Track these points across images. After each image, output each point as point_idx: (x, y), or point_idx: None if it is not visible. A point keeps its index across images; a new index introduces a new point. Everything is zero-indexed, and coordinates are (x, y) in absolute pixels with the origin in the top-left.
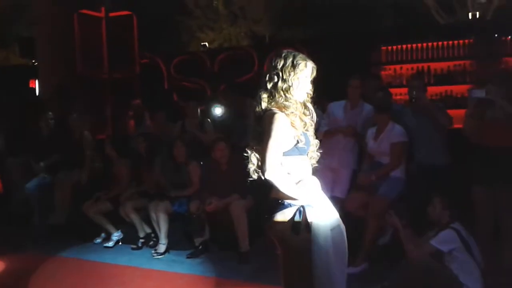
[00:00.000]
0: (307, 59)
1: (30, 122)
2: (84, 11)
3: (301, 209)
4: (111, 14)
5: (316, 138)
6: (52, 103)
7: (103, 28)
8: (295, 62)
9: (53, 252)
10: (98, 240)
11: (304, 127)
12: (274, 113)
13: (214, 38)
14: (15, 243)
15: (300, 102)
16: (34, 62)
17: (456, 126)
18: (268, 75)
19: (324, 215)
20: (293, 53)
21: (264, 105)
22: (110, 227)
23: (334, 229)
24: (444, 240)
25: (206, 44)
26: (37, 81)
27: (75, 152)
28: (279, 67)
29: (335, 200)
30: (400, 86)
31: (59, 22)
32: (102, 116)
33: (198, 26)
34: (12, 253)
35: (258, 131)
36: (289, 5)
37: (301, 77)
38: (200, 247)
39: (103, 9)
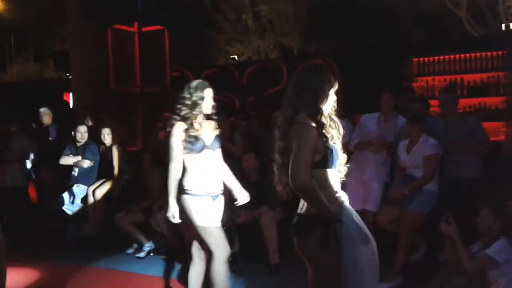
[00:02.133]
0: (330, 71)
1: (64, 133)
2: (118, 26)
3: (331, 224)
4: (144, 29)
5: (348, 150)
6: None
7: (136, 42)
8: (319, 75)
9: (85, 262)
10: (130, 251)
11: (331, 140)
12: (303, 125)
13: (243, 51)
14: (49, 253)
15: (326, 115)
16: (68, 76)
17: (491, 138)
18: (293, 88)
19: (354, 230)
20: (316, 66)
21: (290, 117)
22: (142, 238)
23: (365, 244)
24: (500, 250)
25: (235, 57)
26: (71, 94)
27: (106, 164)
28: (304, 80)
29: (367, 213)
30: (432, 98)
31: (93, 37)
32: (134, 129)
33: (226, 40)
34: (46, 263)
35: (284, 143)
36: (318, 17)
37: (325, 89)
38: (230, 259)
39: (136, 24)
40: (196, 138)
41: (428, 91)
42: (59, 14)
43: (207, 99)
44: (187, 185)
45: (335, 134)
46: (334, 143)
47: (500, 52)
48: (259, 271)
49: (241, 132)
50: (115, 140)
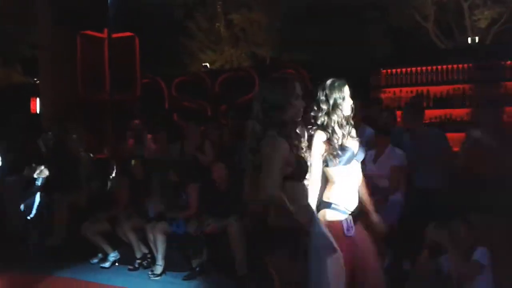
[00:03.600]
0: (293, 81)
1: (29, 141)
2: (87, 32)
3: (299, 236)
4: (114, 35)
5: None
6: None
7: (106, 49)
8: (283, 90)
9: (49, 271)
10: (95, 260)
11: (300, 151)
12: (274, 139)
13: (215, 59)
14: (11, 262)
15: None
16: (36, 81)
17: (456, 149)
18: (259, 105)
19: (322, 241)
20: (278, 81)
21: (259, 134)
22: (107, 248)
23: (332, 255)
24: (483, 256)
25: (207, 65)
26: (38, 100)
27: (72, 172)
28: (269, 98)
29: None
30: (399, 108)
31: (62, 42)
32: (102, 137)
33: (199, 48)
34: (8, 273)
35: (255, 159)
36: (290, 28)
37: (292, 102)
38: (197, 268)
39: (105, 30)
40: (343, 147)
41: (395, 102)
42: (30, 19)
43: (347, 99)
44: (332, 199)
45: (302, 144)
46: (302, 154)
47: (465, 65)
48: (227, 281)
49: (212, 141)
50: (82, 147)
